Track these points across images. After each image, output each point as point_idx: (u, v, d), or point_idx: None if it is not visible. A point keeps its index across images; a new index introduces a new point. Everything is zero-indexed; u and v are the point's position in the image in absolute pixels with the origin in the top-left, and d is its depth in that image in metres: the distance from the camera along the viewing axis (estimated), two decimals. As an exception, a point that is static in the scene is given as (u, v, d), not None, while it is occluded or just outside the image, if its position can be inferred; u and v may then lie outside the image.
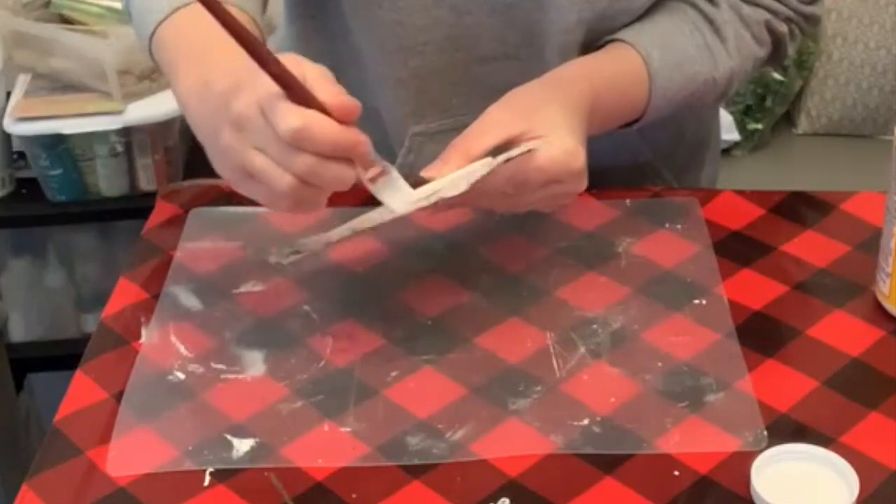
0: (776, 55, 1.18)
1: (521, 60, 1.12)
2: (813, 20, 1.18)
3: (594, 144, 1.02)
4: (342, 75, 0.93)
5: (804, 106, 2.59)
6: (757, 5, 1.14)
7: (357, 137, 0.86)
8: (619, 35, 1.10)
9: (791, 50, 1.19)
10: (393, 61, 1.13)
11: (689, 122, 1.27)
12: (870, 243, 1.07)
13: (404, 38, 1.11)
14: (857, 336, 1.00)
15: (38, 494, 0.88)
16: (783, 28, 1.15)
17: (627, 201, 1.15)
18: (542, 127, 0.97)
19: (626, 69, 1.08)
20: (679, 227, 1.12)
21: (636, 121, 1.11)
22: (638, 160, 1.24)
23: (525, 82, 1.04)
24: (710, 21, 1.12)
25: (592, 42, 1.11)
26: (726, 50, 1.12)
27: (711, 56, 1.11)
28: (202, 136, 0.95)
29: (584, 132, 1.00)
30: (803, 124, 2.61)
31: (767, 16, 1.14)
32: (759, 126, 2.56)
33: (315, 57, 0.89)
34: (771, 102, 2.56)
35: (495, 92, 1.02)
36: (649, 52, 1.08)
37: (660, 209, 1.14)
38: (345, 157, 0.86)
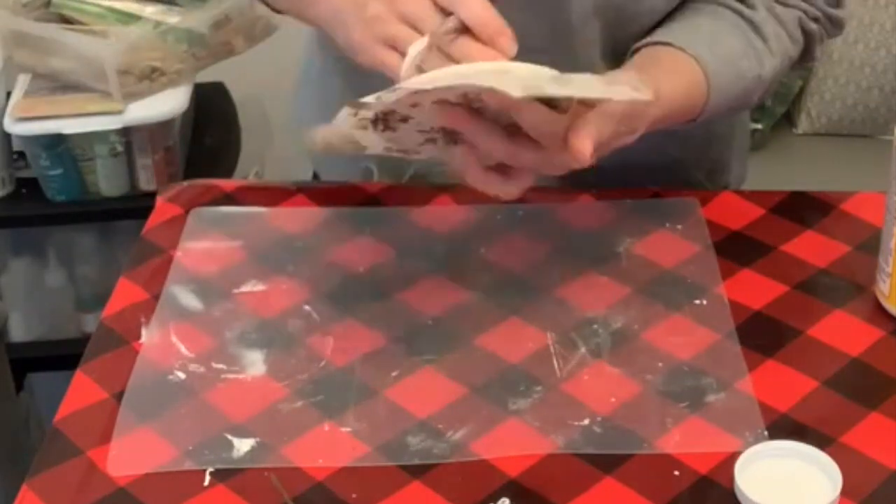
0: (806, 55, 1.18)
1: (549, 54, 1.12)
2: (838, 23, 1.19)
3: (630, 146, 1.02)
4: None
5: (804, 106, 2.59)
6: (787, 5, 1.14)
7: (504, 27, 0.90)
8: (665, 38, 1.09)
9: (819, 52, 1.19)
10: None
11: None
12: (870, 243, 1.07)
13: None
14: (857, 336, 1.00)
15: (38, 494, 0.88)
16: (813, 27, 1.16)
17: (628, 201, 1.15)
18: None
19: (679, 69, 1.07)
20: (679, 227, 1.12)
21: (695, 119, 1.10)
22: (666, 159, 1.24)
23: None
24: (750, 21, 1.12)
25: (617, 35, 1.11)
26: (769, 48, 1.12)
27: (757, 54, 1.11)
28: (343, 12, 0.98)
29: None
30: (803, 124, 2.61)
31: (799, 13, 1.15)
32: (759, 126, 2.55)
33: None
34: (771, 102, 2.55)
35: None
36: (700, 53, 1.08)
37: (660, 209, 1.14)
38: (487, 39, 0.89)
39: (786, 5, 1.14)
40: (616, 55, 1.13)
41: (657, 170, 1.21)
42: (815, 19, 1.16)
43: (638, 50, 1.10)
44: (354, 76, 1.03)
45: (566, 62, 1.06)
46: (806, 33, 1.16)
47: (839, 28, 1.20)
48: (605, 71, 1.11)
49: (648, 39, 1.10)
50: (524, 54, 1.12)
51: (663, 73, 1.05)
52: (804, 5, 1.15)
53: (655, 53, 1.09)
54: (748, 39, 1.11)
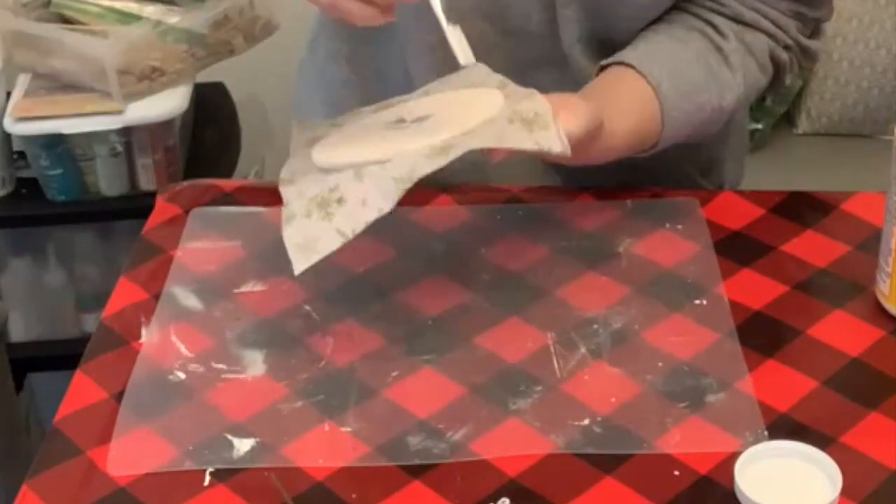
0: (775, 83, 1.18)
1: (544, 38, 1.13)
2: (810, 55, 1.18)
3: None
4: (375, 40, 0.94)
5: (804, 106, 2.59)
6: (758, 31, 1.14)
7: None
8: (629, 59, 1.09)
9: (788, 80, 1.19)
10: (425, 27, 1.13)
11: None
12: (870, 243, 1.07)
13: None
14: (857, 336, 1.00)
15: (38, 494, 0.88)
16: (784, 56, 1.15)
17: (628, 202, 1.15)
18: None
19: (637, 98, 1.08)
20: (679, 227, 1.12)
21: (647, 151, 1.11)
22: (669, 160, 1.24)
23: (548, 60, 1.07)
24: (718, 49, 1.11)
25: (595, 20, 1.11)
26: (734, 79, 1.12)
27: (719, 85, 1.11)
28: None
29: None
30: (803, 124, 2.61)
31: (770, 42, 1.14)
32: (759, 126, 2.55)
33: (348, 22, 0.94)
34: (771, 102, 2.55)
35: (522, 66, 1.03)
36: (660, 83, 1.08)
37: (660, 209, 1.14)
38: None
39: (756, 30, 1.13)
40: (593, 39, 1.13)
41: (651, 167, 1.21)
42: (787, 47, 1.15)
43: (603, 68, 1.10)
44: (357, 63, 1.04)
45: (557, 49, 1.07)
46: (776, 62, 1.15)
47: (812, 60, 1.19)
48: (582, 52, 1.12)
49: (613, 59, 1.10)
50: (521, 36, 1.14)
51: (617, 109, 1.05)
52: (777, 31, 1.14)
53: (616, 80, 1.09)
54: (712, 71, 1.11)
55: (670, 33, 1.12)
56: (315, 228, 0.95)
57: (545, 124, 0.96)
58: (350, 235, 0.94)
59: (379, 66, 1.21)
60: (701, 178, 1.28)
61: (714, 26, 1.12)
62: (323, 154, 1.01)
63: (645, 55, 1.10)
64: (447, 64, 1.12)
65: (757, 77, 1.14)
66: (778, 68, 1.16)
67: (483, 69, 1.04)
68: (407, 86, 1.14)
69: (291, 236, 0.95)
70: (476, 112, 0.99)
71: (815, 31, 1.18)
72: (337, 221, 0.94)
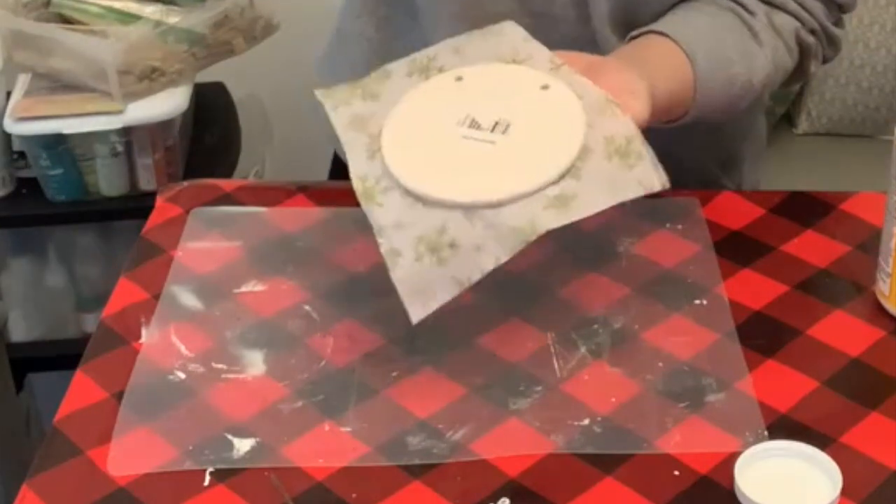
0: (800, 69, 1.18)
1: (573, 18, 1.13)
2: (835, 43, 1.19)
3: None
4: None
5: (804, 106, 2.59)
6: (787, 12, 1.14)
7: None
8: (664, 29, 1.09)
9: (814, 67, 1.19)
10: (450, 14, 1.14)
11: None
12: (870, 243, 1.07)
13: None
14: (857, 336, 1.00)
15: (38, 494, 0.88)
16: (810, 39, 1.16)
17: (628, 202, 1.15)
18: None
19: (672, 63, 1.08)
20: (679, 227, 1.12)
21: (677, 120, 1.10)
22: (689, 157, 1.24)
23: (577, 41, 1.07)
24: (748, 26, 1.12)
25: (628, 10, 1.12)
26: (763, 55, 1.12)
27: (750, 60, 1.11)
28: None
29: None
30: (803, 124, 2.61)
31: (797, 24, 1.15)
32: (759, 126, 2.56)
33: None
34: (771, 102, 2.55)
35: (550, 47, 1.02)
36: (694, 52, 1.08)
37: (660, 209, 1.14)
38: None
39: (785, 12, 1.14)
40: (623, 19, 1.13)
41: (675, 161, 1.21)
42: (813, 31, 1.16)
43: (635, 37, 1.10)
44: (385, 41, 1.04)
45: (584, 32, 1.07)
46: (802, 46, 1.16)
47: (836, 48, 1.19)
48: (612, 32, 1.13)
49: (646, 28, 1.10)
50: (546, 18, 1.13)
51: (656, 73, 1.05)
52: (804, 14, 1.15)
53: (651, 46, 1.09)
54: (744, 45, 1.11)
55: (701, 9, 1.13)
56: (430, 275, 0.91)
57: (640, 154, 0.95)
58: (467, 284, 0.91)
59: (399, 44, 1.21)
60: (722, 174, 1.27)
61: (743, 5, 1.13)
62: (408, 174, 0.95)
63: (678, 25, 1.10)
64: None
65: (784, 59, 1.14)
66: (803, 53, 1.16)
67: (518, 32, 1.03)
68: None
69: (403, 282, 0.91)
70: (558, 125, 0.96)
71: (838, 20, 1.19)
72: (452, 268, 0.91)
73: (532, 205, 0.92)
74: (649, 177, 0.95)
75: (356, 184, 0.96)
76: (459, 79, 1.01)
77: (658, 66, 1.06)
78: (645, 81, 1.01)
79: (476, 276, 0.91)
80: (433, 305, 0.91)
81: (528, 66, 1.01)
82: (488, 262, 0.91)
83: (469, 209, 0.92)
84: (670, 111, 1.08)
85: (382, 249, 0.92)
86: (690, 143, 1.20)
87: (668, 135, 1.13)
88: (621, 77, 1.01)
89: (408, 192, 0.94)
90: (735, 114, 1.17)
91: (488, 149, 0.96)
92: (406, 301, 0.91)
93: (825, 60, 1.20)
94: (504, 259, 0.91)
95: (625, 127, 0.96)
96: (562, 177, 0.93)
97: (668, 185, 0.96)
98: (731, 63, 1.10)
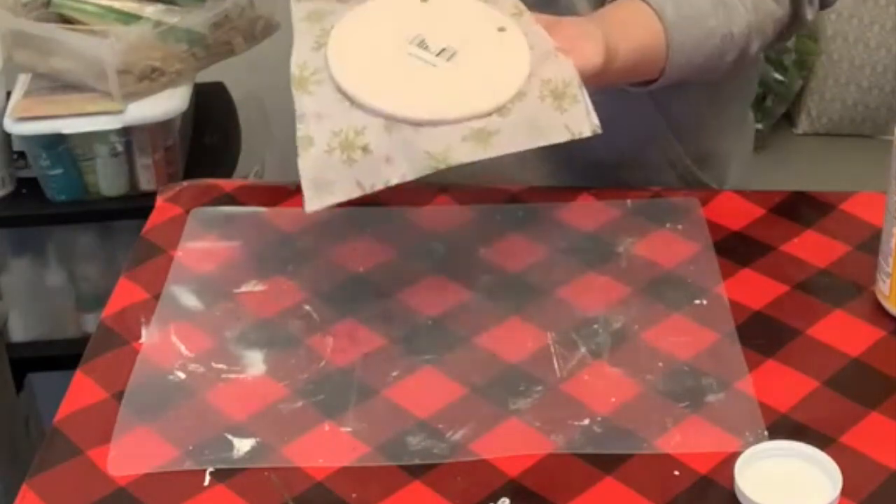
0: (795, 19, 1.15)
1: (559, 8, 1.11)
2: None
3: (623, 139, 1.01)
4: None
5: (804, 106, 2.59)
6: None
7: None
8: None
9: (810, 15, 1.15)
10: None
11: (704, 97, 1.24)
12: (870, 243, 1.07)
13: None
14: (857, 336, 1.00)
15: (38, 494, 0.88)
16: None
17: (628, 202, 1.15)
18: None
19: (638, 21, 1.06)
20: (679, 227, 1.12)
21: (657, 79, 1.09)
22: (667, 154, 1.23)
23: (549, 3, 1.07)
24: None
25: None
26: (742, 3, 1.09)
27: (727, 11, 1.08)
28: None
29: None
30: (803, 124, 2.61)
31: None
32: (759, 126, 2.55)
33: None
34: (771, 102, 2.55)
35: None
36: (662, 6, 1.06)
37: (660, 209, 1.14)
38: None
39: None
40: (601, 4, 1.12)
41: (654, 165, 1.21)
42: None
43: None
44: None
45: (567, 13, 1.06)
46: None
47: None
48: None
49: None
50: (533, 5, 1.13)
51: (620, 30, 1.04)
52: None
53: (619, 6, 1.07)
54: None
55: None
56: (334, 170, 0.93)
57: (574, 97, 0.96)
58: (368, 190, 0.93)
59: None
60: (700, 171, 1.26)
61: None
62: (345, 72, 0.96)
63: None
64: None
65: (769, 6, 1.11)
66: (795, 1, 1.13)
67: None
68: None
69: (307, 169, 0.93)
70: (502, 67, 0.97)
71: None
72: (358, 171, 0.92)
73: (452, 133, 0.93)
74: (579, 122, 0.96)
75: (294, 69, 0.98)
76: (425, 0, 1.03)
77: (623, 21, 1.05)
78: (601, 30, 1.01)
79: (378, 185, 0.93)
80: (329, 200, 0.92)
81: (493, 5, 1.02)
82: (394, 176, 0.93)
83: (391, 120, 0.94)
84: (638, 68, 1.07)
85: (299, 134, 0.94)
86: (663, 133, 1.19)
87: (638, 124, 1.11)
88: (577, 26, 1.02)
89: (339, 89, 0.96)
90: (722, 71, 1.13)
91: (429, 70, 0.98)
92: (305, 190, 0.92)
93: (824, 5, 1.17)
94: (409, 178, 0.93)
95: (565, 71, 0.97)
96: (489, 114, 0.95)
97: (599, 131, 0.96)
98: (705, 16, 1.07)
